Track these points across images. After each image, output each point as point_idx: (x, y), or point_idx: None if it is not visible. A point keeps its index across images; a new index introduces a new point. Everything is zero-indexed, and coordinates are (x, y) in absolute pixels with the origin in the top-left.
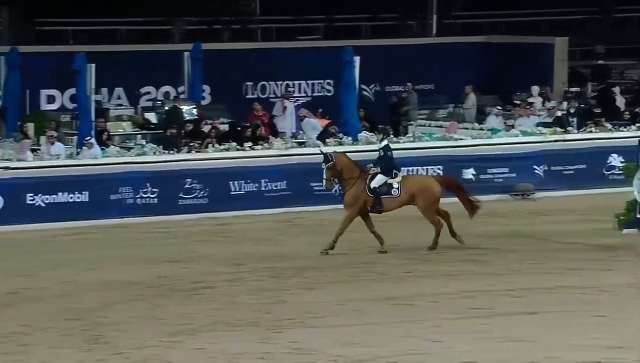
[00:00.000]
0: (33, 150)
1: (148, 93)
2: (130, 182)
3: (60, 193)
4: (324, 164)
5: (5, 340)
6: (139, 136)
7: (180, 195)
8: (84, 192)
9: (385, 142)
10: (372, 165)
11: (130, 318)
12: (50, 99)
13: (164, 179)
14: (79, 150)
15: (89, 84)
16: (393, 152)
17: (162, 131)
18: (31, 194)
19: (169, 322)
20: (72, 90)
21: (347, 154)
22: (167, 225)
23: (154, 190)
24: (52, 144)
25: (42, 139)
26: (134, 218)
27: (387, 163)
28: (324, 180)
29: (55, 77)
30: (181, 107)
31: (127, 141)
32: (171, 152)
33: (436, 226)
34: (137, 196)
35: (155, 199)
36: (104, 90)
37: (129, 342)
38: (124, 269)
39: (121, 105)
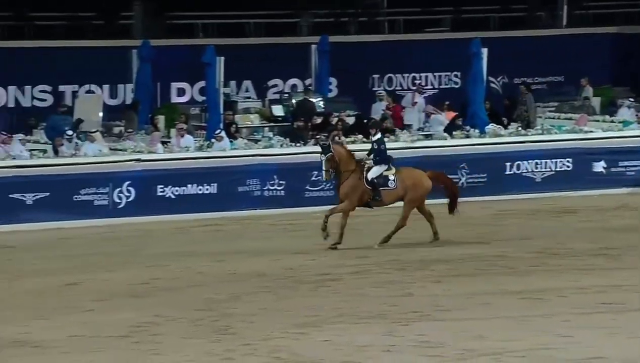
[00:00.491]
0: (163, 143)
1: (275, 86)
2: (258, 174)
3: (189, 185)
4: (322, 155)
5: (137, 330)
6: (267, 129)
7: (307, 187)
8: (212, 184)
9: (378, 135)
10: (366, 157)
11: (257, 309)
12: (181, 92)
13: (291, 171)
14: (208, 142)
15: (218, 76)
16: (386, 145)
17: (289, 124)
18: (161, 186)
19: (295, 314)
20: (202, 83)
21: (345, 145)
22: (293, 217)
23: (281, 182)
24: (182, 136)
25: (172, 131)
26: (261, 210)
27: (381, 156)
28: (323, 172)
29: (186, 70)
30: (312, 99)
31: (255, 134)
32: (298, 144)
33: (403, 222)
34: (265, 188)
35: (282, 191)
36: (233, 83)
37: (256, 333)
38: (251, 261)
39: (249, 97)
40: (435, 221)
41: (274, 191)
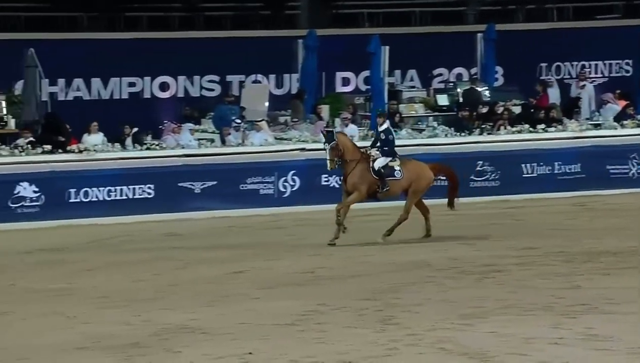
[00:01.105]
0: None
1: (440, 75)
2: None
3: None
4: (326, 143)
5: (302, 319)
6: (431, 118)
7: (472, 177)
8: None
9: (385, 125)
10: (370, 147)
11: (422, 300)
12: (345, 81)
13: (455, 161)
14: (372, 132)
15: (382, 66)
16: (394, 135)
17: (454, 113)
18: (326, 175)
19: (460, 305)
20: (366, 73)
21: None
22: (459, 206)
23: None
24: (346, 125)
25: (337, 121)
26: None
27: (389, 146)
28: (328, 161)
29: (351, 60)
30: (478, 88)
31: (419, 123)
32: (463, 134)
33: (404, 216)
34: None
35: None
36: (397, 72)
37: (420, 323)
38: (415, 251)
39: (413, 87)
40: (430, 217)
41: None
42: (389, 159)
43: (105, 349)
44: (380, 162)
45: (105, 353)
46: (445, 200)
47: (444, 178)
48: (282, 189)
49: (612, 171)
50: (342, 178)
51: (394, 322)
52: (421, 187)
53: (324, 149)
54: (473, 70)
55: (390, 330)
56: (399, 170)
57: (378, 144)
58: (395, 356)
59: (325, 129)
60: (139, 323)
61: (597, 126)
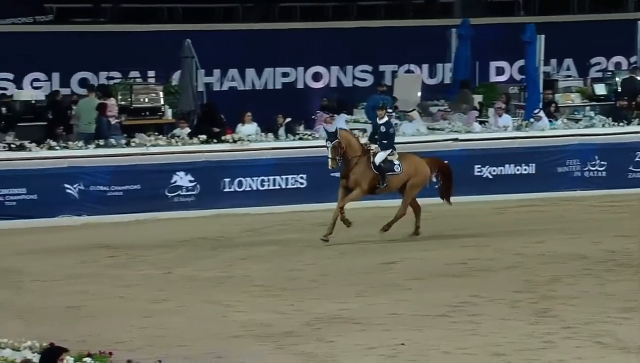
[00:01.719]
0: (481, 122)
1: (598, 63)
2: (578, 155)
3: (507, 165)
4: (328, 141)
5: (455, 310)
6: (588, 108)
7: (631, 168)
8: (530, 164)
9: (386, 118)
10: (368, 141)
11: (578, 292)
12: (499, 71)
13: (613, 152)
14: (526, 122)
15: (538, 55)
16: (394, 128)
17: (612, 103)
18: (479, 166)
19: (618, 298)
20: (521, 62)
21: (350, 130)
22: (615, 199)
23: (602, 163)
24: (500, 115)
25: (490, 110)
26: (581, 191)
27: (389, 140)
28: (329, 160)
29: (505, 49)
30: (638, 77)
31: (575, 113)
32: (621, 124)
33: (403, 211)
34: (585, 169)
35: (604, 172)
36: (553, 61)
37: (577, 316)
38: (571, 243)
39: (570, 76)
40: (421, 216)
41: (595, 172)
42: (388, 152)
43: (259, 337)
44: (380, 157)
45: (259, 341)
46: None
47: (439, 174)
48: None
49: None
50: (341, 174)
51: (549, 315)
52: (419, 182)
53: (326, 147)
54: (633, 59)
55: (546, 322)
56: (398, 165)
57: (376, 137)
58: (551, 349)
59: (327, 130)
60: (292, 312)
61: None
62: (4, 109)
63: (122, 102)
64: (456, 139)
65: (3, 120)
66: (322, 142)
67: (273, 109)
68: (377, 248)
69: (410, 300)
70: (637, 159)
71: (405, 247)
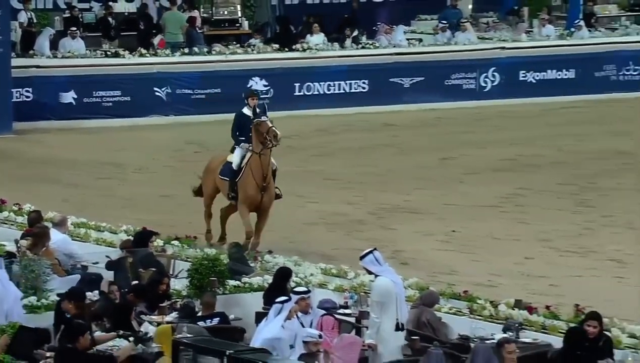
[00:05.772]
0: (527, 32)
1: None
2: (615, 61)
3: (549, 71)
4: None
5: (504, 201)
6: (624, 18)
7: None
8: (571, 70)
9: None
10: None
11: (617, 185)
12: None
13: None
14: (568, 31)
15: None
16: None
17: None
18: (524, 71)
19: None
20: None
21: None
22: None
23: (636, 67)
24: (544, 25)
25: (534, 21)
26: (617, 93)
27: None
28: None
29: None
30: None
31: (612, 23)
32: None
33: None
34: (620, 73)
35: (638, 76)
36: None
37: (614, 205)
38: (611, 140)
39: None
40: None
41: (630, 76)
42: None
43: (329, 225)
44: None
45: (329, 228)
46: None
47: None
48: (483, 84)
49: None
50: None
51: (590, 205)
52: None
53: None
54: None
55: (587, 211)
56: None
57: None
58: (590, 236)
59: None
60: (360, 203)
61: None
62: (110, 19)
63: (204, 14)
64: (503, 48)
65: (110, 29)
66: (383, 50)
67: (338, 22)
68: (437, 146)
69: (464, 193)
70: None
71: (461, 145)
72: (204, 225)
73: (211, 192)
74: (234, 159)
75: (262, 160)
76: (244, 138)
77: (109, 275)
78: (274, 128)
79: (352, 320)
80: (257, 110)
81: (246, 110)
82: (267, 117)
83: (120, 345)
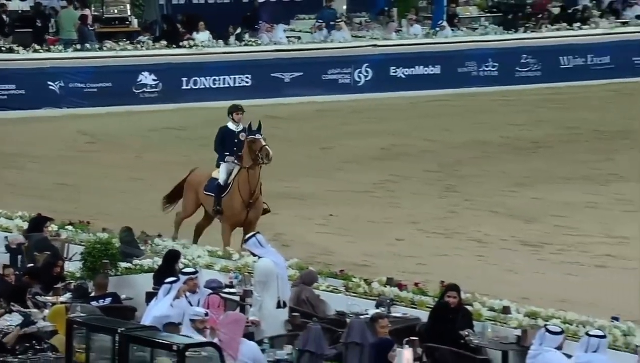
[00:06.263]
0: (397, 31)
1: None
2: (475, 58)
3: (417, 67)
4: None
5: (377, 187)
6: (483, 19)
7: (517, 68)
8: (436, 66)
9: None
10: None
11: (479, 171)
12: None
13: (503, 55)
14: (433, 30)
15: None
16: None
17: (502, 14)
18: (394, 67)
19: (512, 176)
20: None
21: None
22: (505, 94)
23: (495, 64)
24: (412, 25)
25: (404, 21)
26: (477, 88)
27: None
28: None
29: None
30: None
31: (473, 23)
32: (510, 32)
33: None
34: (480, 69)
35: (496, 72)
36: None
37: (477, 190)
38: (474, 131)
39: None
40: None
41: (489, 72)
42: None
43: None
44: None
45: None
46: None
47: None
48: (357, 79)
49: (636, 62)
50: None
51: (454, 190)
52: None
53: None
54: None
55: (451, 196)
56: None
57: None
58: (453, 218)
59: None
60: None
61: (624, 24)
62: (4, 16)
63: (95, 13)
64: (375, 45)
65: (5, 26)
66: (265, 47)
67: (224, 19)
68: (318, 136)
69: (342, 180)
70: (522, 61)
71: (340, 136)
72: (96, 208)
73: (192, 207)
74: (221, 175)
75: (250, 176)
76: (228, 152)
77: (4, 259)
78: (267, 147)
79: (237, 298)
80: (252, 127)
81: (231, 125)
82: (261, 134)
83: (11, 321)
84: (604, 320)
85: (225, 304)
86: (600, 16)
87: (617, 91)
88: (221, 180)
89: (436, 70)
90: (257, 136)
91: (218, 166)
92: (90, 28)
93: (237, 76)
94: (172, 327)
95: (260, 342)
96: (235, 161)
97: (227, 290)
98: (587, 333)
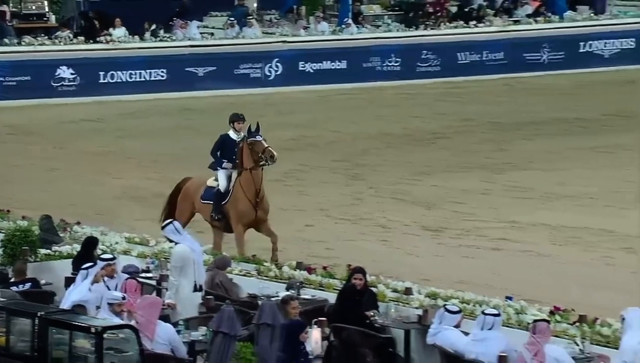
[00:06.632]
0: (305, 28)
1: None
2: (379, 53)
3: (324, 62)
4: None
5: (288, 176)
6: (386, 16)
7: (418, 63)
8: (343, 61)
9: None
10: None
11: (383, 161)
12: None
13: (405, 51)
14: (339, 27)
15: None
16: None
17: (403, 12)
18: (303, 62)
19: (413, 165)
20: None
21: None
22: (408, 88)
23: (397, 59)
24: (319, 22)
25: (311, 19)
26: (381, 82)
27: None
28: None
29: None
30: None
31: (377, 20)
32: (411, 29)
33: None
34: (384, 64)
35: (399, 67)
36: None
37: (380, 178)
38: (378, 123)
39: None
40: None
41: (392, 67)
42: None
43: (132, 198)
44: None
45: (132, 202)
46: None
47: None
48: (267, 74)
49: (528, 58)
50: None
51: (360, 179)
52: None
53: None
54: None
55: (357, 185)
56: None
57: None
58: (359, 205)
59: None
60: (159, 179)
61: (516, 22)
62: None
63: (14, 9)
64: (285, 41)
65: None
66: (179, 43)
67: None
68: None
69: None
70: (423, 57)
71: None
72: (16, 197)
73: (187, 216)
74: (221, 182)
75: (253, 176)
76: (226, 159)
77: None
78: (270, 148)
79: (153, 283)
80: (251, 128)
81: (232, 134)
82: (261, 136)
83: None
84: (498, 300)
85: (142, 288)
86: (494, 15)
87: (510, 85)
88: (221, 187)
89: (342, 65)
90: (258, 138)
91: (211, 168)
92: (9, 24)
93: (152, 70)
94: (81, 308)
95: (175, 324)
96: (233, 166)
97: (143, 275)
98: (483, 312)
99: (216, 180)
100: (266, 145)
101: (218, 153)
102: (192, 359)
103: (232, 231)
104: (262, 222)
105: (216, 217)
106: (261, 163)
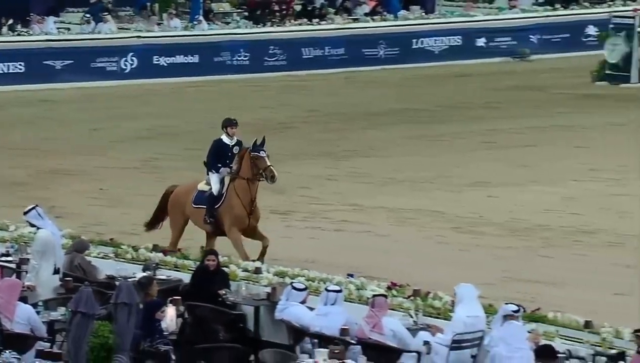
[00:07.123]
0: (158, 24)
1: None
2: (229, 48)
3: (177, 56)
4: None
5: (144, 164)
6: (235, 14)
7: (266, 58)
8: (195, 55)
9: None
10: None
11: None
12: None
13: (254, 46)
14: (191, 24)
15: None
16: None
17: (251, 10)
18: (157, 56)
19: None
20: None
21: None
22: (256, 81)
23: (246, 54)
24: (172, 19)
25: (164, 15)
26: (232, 75)
27: None
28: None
29: None
30: None
31: (227, 17)
32: (259, 26)
33: None
34: (234, 59)
35: (247, 61)
36: None
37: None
38: (228, 113)
39: None
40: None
41: (241, 61)
42: None
43: None
44: None
45: None
46: None
47: None
48: (123, 67)
49: (366, 54)
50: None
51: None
52: None
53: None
54: None
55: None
56: None
57: None
58: None
59: None
60: (21, 167)
61: (355, 20)
62: None
63: None
64: (139, 37)
65: None
66: (36, 37)
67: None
68: (88, 118)
69: (114, 157)
70: (270, 52)
71: (109, 118)
72: None
73: (181, 225)
74: (213, 186)
75: (250, 185)
76: (221, 164)
77: None
78: (272, 167)
79: (13, 266)
80: (257, 142)
81: (225, 138)
82: (264, 151)
83: None
84: (341, 277)
85: (2, 271)
86: (335, 13)
87: (351, 78)
88: (215, 191)
89: (194, 59)
90: (262, 154)
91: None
92: None
93: (10, 63)
94: None
95: (35, 305)
96: (230, 171)
97: (3, 258)
98: (326, 289)
99: (207, 184)
100: (268, 164)
101: (213, 159)
102: (52, 338)
103: (222, 234)
104: (253, 228)
105: (208, 221)
106: (260, 179)
